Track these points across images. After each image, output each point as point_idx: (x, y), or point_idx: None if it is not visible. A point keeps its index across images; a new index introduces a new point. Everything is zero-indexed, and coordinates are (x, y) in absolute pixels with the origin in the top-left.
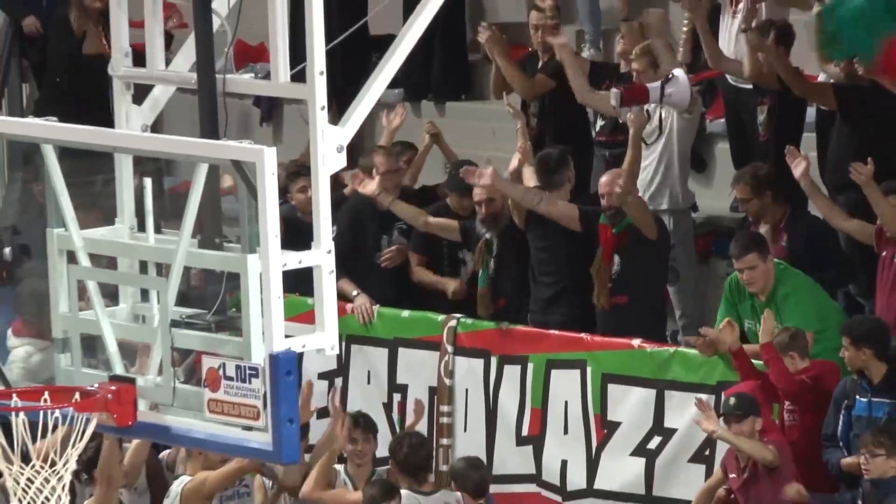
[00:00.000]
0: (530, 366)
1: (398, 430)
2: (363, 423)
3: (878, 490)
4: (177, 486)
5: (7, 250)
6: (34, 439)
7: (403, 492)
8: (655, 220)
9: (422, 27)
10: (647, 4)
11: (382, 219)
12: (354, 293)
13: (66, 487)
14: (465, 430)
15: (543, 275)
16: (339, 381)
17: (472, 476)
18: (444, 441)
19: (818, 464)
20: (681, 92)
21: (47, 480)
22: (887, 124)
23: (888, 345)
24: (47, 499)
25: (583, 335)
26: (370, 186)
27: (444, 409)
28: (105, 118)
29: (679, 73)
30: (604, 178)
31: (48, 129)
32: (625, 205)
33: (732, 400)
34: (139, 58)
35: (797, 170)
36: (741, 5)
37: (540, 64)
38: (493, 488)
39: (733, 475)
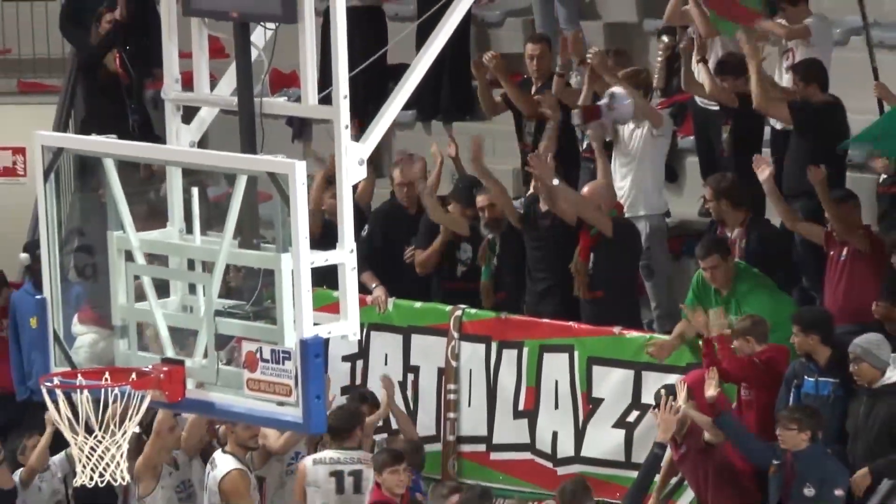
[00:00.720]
0: (525, 350)
1: (412, 405)
2: (370, 400)
3: (796, 459)
4: (224, 465)
5: (78, 252)
6: (97, 414)
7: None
8: (620, 223)
9: (431, 58)
10: (625, 38)
11: (409, 221)
12: (373, 285)
13: (124, 454)
14: (469, 405)
15: (536, 271)
16: (360, 363)
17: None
18: (451, 415)
19: (772, 436)
20: (621, 107)
21: (107, 449)
22: (836, 138)
23: (832, 332)
24: (108, 465)
25: (571, 323)
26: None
27: (451, 387)
28: (125, 131)
29: (618, 91)
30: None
31: (109, 145)
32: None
33: (660, 391)
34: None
35: (762, 174)
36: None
37: (533, 89)
38: (493, 455)
39: (676, 452)
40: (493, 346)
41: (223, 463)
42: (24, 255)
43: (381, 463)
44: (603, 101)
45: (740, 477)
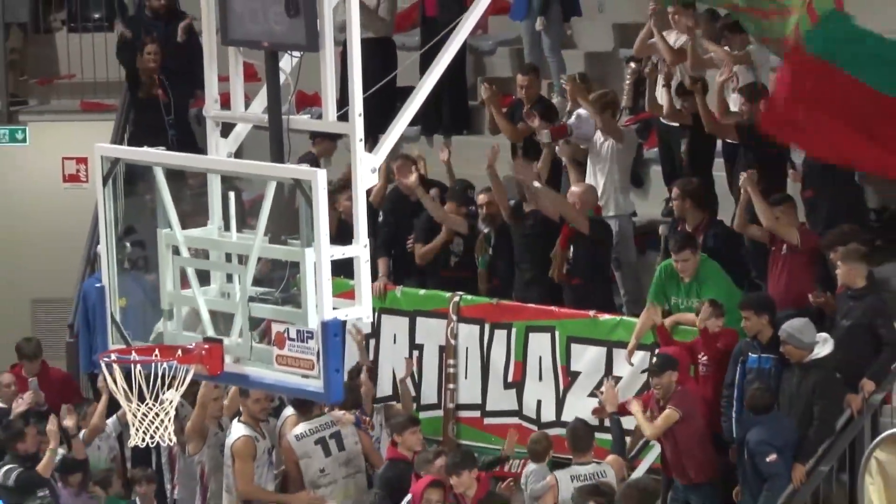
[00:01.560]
0: (514, 330)
1: (417, 378)
2: (358, 375)
3: (749, 413)
4: (226, 447)
5: (127, 245)
6: (148, 384)
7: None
8: (596, 221)
9: (433, 81)
10: (600, 65)
11: (413, 208)
12: (380, 274)
13: (171, 419)
14: (465, 377)
15: (522, 262)
16: (372, 342)
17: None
18: (451, 386)
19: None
20: (583, 125)
21: (157, 415)
22: (776, 151)
23: (776, 314)
24: (157, 428)
25: (552, 308)
26: (411, 179)
27: (451, 362)
28: (165, 144)
29: (581, 112)
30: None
31: (159, 156)
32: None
33: (654, 358)
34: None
35: (745, 178)
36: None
37: (525, 110)
38: (486, 420)
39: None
40: (487, 327)
41: (236, 430)
42: (100, 248)
43: (401, 426)
44: (570, 121)
45: (703, 441)
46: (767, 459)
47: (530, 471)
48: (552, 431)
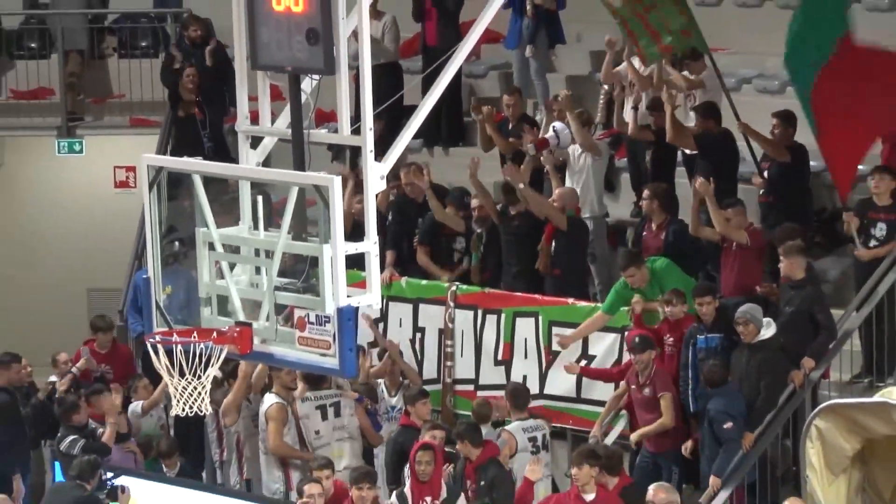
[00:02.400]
0: (503, 315)
1: (419, 356)
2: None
3: (703, 400)
4: (266, 403)
5: (176, 244)
6: (188, 362)
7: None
8: (575, 220)
9: (434, 101)
10: (579, 86)
11: (419, 208)
12: (387, 264)
13: (207, 393)
14: (461, 356)
15: (510, 257)
16: (381, 325)
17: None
18: (448, 363)
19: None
20: (563, 136)
21: (195, 389)
22: (730, 160)
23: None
24: (195, 401)
25: (536, 296)
26: (425, 181)
27: (448, 343)
28: (201, 155)
29: (558, 125)
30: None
31: (198, 165)
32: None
33: (636, 339)
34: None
35: (700, 184)
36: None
37: (510, 126)
38: (479, 393)
39: (633, 387)
40: (479, 312)
41: (268, 399)
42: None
43: (412, 397)
44: (549, 134)
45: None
46: (725, 426)
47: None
48: (536, 402)
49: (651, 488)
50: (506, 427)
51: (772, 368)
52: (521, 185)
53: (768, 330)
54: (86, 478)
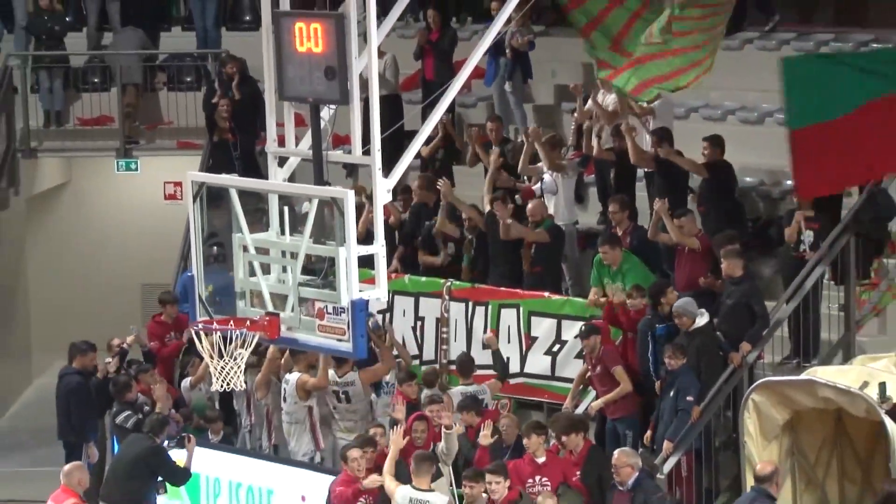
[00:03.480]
0: (490, 307)
1: (420, 341)
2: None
3: (669, 375)
4: (292, 378)
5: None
6: (225, 346)
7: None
8: (553, 227)
9: (431, 127)
10: (550, 115)
11: (430, 211)
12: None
13: (241, 371)
14: (454, 341)
15: (497, 258)
16: (388, 315)
17: None
18: (444, 347)
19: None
20: (547, 185)
21: (231, 368)
22: (681, 176)
23: None
24: (231, 378)
25: (518, 290)
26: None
27: (444, 330)
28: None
29: (547, 178)
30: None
31: (234, 181)
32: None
33: (582, 327)
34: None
35: (657, 204)
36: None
37: (493, 148)
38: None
39: (591, 368)
40: (470, 304)
41: (293, 376)
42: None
43: (401, 380)
44: (535, 186)
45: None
46: (687, 398)
47: (426, 394)
48: (516, 380)
49: (615, 452)
50: (448, 391)
51: (708, 350)
52: (508, 221)
53: (702, 319)
54: (156, 432)
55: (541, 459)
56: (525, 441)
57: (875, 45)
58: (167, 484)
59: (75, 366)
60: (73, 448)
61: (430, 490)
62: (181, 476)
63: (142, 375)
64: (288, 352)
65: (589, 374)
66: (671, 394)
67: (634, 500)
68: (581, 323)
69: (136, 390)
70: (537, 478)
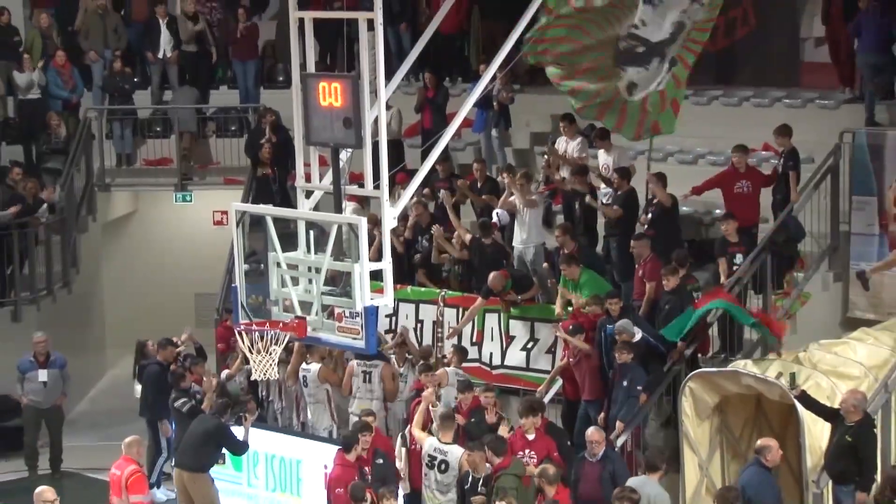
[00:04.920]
0: (478, 312)
1: (420, 339)
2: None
3: (622, 367)
4: (312, 367)
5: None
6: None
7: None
8: (515, 276)
9: (429, 166)
10: (524, 157)
11: (424, 230)
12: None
13: (275, 363)
14: (447, 339)
15: (481, 273)
16: (393, 318)
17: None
18: (439, 344)
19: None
20: (502, 218)
21: (267, 361)
22: (636, 206)
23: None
24: (266, 369)
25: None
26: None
27: (439, 331)
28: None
29: (500, 212)
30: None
31: (269, 209)
32: None
33: (571, 327)
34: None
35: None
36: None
37: (479, 185)
38: (462, 366)
39: (572, 359)
40: (460, 310)
41: (313, 366)
42: (245, 266)
43: (421, 370)
44: (494, 220)
45: (597, 373)
46: (638, 387)
47: (422, 363)
48: (498, 371)
49: (590, 430)
50: (444, 368)
51: (646, 355)
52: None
53: (639, 334)
54: (221, 413)
55: (531, 437)
56: (522, 420)
57: (724, 100)
58: (228, 455)
59: (158, 358)
60: (150, 425)
61: (451, 444)
62: (241, 448)
63: (194, 367)
64: (304, 346)
65: (563, 362)
66: (624, 384)
67: (604, 469)
68: (550, 325)
69: (190, 380)
70: (527, 451)
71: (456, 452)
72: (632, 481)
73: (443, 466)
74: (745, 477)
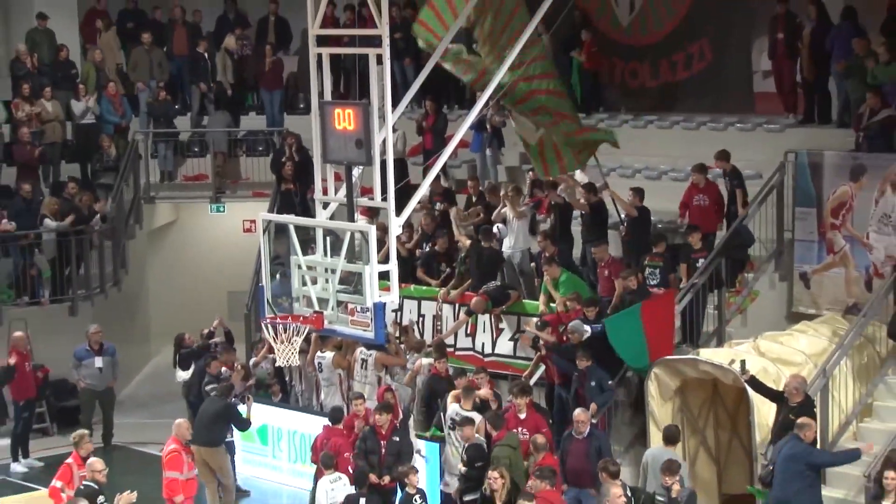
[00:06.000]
0: None
1: (422, 331)
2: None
3: (587, 375)
4: (327, 355)
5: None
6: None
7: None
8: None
9: (429, 181)
10: (514, 173)
11: (430, 237)
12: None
13: (297, 351)
14: (445, 330)
15: (476, 271)
16: (399, 313)
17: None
18: (438, 335)
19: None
20: (502, 232)
21: (289, 349)
22: (602, 215)
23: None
24: (289, 356)
25: None
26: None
27: (438, 324)
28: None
29: (501, 227)
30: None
31: (292, 219)
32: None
33: (539, 322)
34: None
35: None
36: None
37: (474, 200)
38: (457, 353)
39: (542, 351)
40: (456, 306)
41: (328, 354)
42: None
43: (436, 357)
44: (494, 231)
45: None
46: (609, 383)
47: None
48: (489, 359)
49: (577, 411)
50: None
51: (601, 350)
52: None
53: (587, 332)
54: (225, 395)
55: (522, 415)
56: (516, 401)
57: (685, 124)
58: (256, 431)
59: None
60: (192, 406)
61: (471, 410)
62: (245, 424)
63: (223, 354)
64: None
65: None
66: (592, 384)
67: (591, 445)
68: (535, 318)
69: (218, 366)
70: (519, 428)
71: (476, 418)
72: (652, 450)
73: (471, 421)
74: (786, 449)
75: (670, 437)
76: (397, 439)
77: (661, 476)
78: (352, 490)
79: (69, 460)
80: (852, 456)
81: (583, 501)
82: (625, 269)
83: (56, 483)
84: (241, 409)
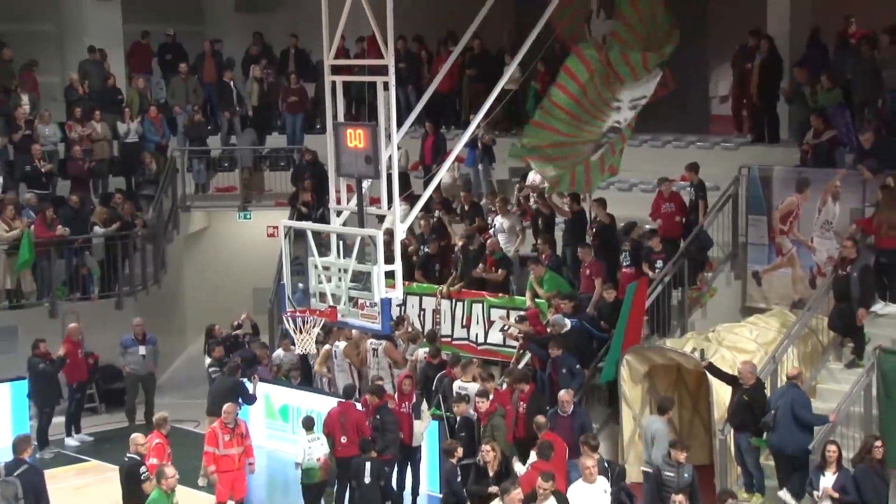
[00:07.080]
0: (466, 302)
1: (422, 324)
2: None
3: (557, 362)
4: (340, 344)
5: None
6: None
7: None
8: (501, 259)
9: (429, 193)
10: (505, 185)
11: (426, 240)
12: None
13: (314, 340)
14: (444, 323)
15: (469, 272)
16: (402, 307)
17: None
18: (437, 327)
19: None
20: (498, 229)
21: (307, 338)
22: (583, 222)
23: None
24: (307, 345)
25: (483, 292)
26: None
27: (437, 317)
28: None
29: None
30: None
31: (309, 225)
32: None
33: (517, 316)
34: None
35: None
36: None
37: (466, 209)
38: (454, 342)
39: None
40: (454, 301)
41: (341, 344)
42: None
43: (432, 354)
44: (491, 231)
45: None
46: (577, 367)
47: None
48: (482, 347)
49: (562, 392)
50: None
51: (578, 340)
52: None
53: (567, 326)
54: (234, 373)
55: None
56: (519, 386)
57: (652, 143)
58: (278, 410)
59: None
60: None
61: (469, 382)
62: (251, 399)
63: (251, 344)
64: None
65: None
66: (563, 371)
67: (574, 422)
68: (521, 311)
69: (219, 353)
70: (521, 403)
71: (472, 389)
72: (646, 418)
73: (466, 399)
74: (787, 395)
75: (662, 408)
76: (379, 417)
77: (670, 451)
78: (327, 450)
79: (157, 440)
80: (823, 420)
81: (569, 471)
82: (608, 283)
83: (153, 460)
84: (249, 386)
